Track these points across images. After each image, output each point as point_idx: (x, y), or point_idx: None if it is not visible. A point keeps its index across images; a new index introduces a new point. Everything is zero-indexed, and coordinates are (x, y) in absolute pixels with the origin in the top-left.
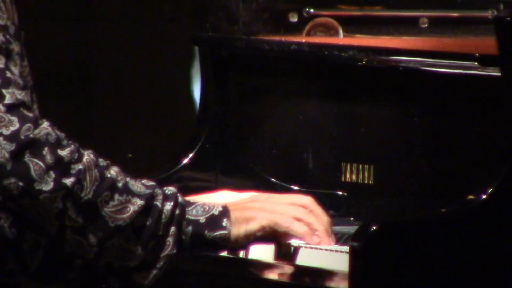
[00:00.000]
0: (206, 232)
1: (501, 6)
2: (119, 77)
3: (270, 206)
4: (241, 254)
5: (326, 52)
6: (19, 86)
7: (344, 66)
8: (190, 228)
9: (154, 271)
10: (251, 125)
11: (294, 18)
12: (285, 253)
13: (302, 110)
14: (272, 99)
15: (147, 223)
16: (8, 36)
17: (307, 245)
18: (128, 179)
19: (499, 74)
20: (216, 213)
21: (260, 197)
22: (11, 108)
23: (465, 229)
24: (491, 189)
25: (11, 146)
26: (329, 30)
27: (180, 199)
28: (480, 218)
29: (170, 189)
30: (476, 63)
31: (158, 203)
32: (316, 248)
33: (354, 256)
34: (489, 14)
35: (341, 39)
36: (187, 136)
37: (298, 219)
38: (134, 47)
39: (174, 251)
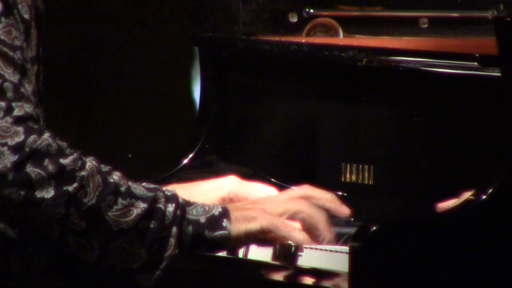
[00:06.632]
0: (206, 232)
1: (501, 6)
2: (119, 77)
3: (271, 207)
4: (241, 254)
5: (326, 53)
6: (30, 102)
7: (344, 66)
8: (190, 227)
9: (157, 272)
10: (251, 125)
11: (294, 18)
12: (285, 253)
13: (302, 110)
14: (272, 99)
15: (151, 226)
16: (24, 55)
17: (307, 245)
18: (130, 183)
19: (499, 74)
20: (216, 213)
21: (259, 199)
22: (18, 120)
23: (465, 229)
24: (491, 189)
25: (14, 157)
26: (329, 30)
27: (180, 199)
28: (480, 218)
29: (169, 190)
30: (476, 63)
31: (161, 205)
32: (316, 249)
33: (354, 256)
34: (489, 14)
35: (341, 39)
36: (187, 136)
37: (300, 212)
38: (134, 47)
39: (176, 251)
